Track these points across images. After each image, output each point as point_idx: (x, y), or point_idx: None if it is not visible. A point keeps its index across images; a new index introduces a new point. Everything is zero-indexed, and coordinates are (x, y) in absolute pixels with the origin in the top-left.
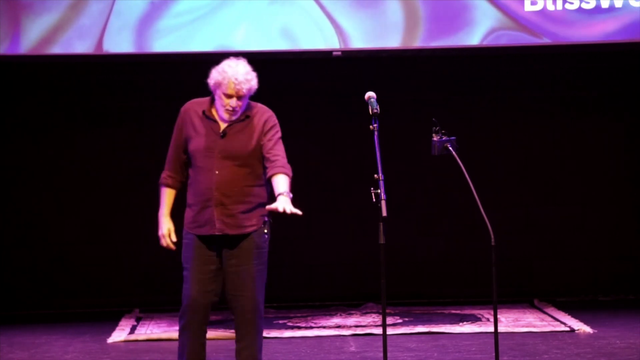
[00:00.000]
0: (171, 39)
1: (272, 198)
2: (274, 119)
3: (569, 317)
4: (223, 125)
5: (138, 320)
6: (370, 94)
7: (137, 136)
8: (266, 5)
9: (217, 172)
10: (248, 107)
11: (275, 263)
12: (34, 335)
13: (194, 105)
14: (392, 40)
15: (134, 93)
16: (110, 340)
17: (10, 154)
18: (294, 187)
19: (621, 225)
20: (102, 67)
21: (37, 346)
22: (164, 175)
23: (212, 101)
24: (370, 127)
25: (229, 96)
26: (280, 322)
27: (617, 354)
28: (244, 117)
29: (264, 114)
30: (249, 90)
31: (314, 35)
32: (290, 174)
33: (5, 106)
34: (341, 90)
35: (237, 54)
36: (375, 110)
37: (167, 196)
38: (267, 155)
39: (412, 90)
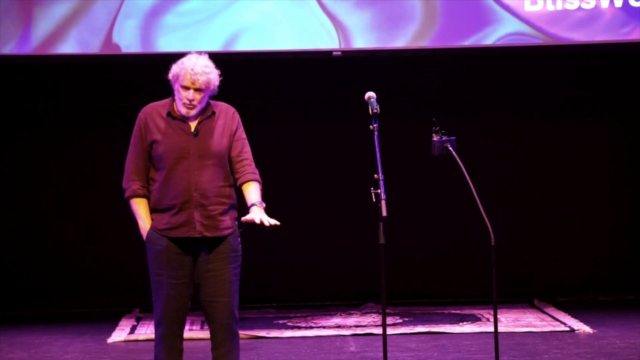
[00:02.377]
0: (176, 37)
1: (241, 200)
2: (238, 116)
3: (569, 317)
4: (193, 124)
5: (138, 320)
6: (370, 94)
7: None
8: (271, 5)
9: (195, 172)
10: (210, 105)
11: (275, 263)
12: (34, 335)
13: (155, 108)
14: (401, 39)
15: (134, 93)
16: (110, 340)
17: (10, 154)
18: (295, 188)
19: (621, 225)
20: (102, 66)
21: (37, 346)
22: (135, 186)
23: (174, 101)
24: (370, 127)
25: (186, 88)
26: (280, 322)
27: (617, 354)
28: (211, 114)
29: (228, 109)
30: (207, 83)
31: (320, 35)
32: (260, 179)
33: (6, 106)
34: (341, 90)
35: (238, 54)
36: (375, 110)
37: (145, 206)
38: (237, 159)
39: (412, 90)
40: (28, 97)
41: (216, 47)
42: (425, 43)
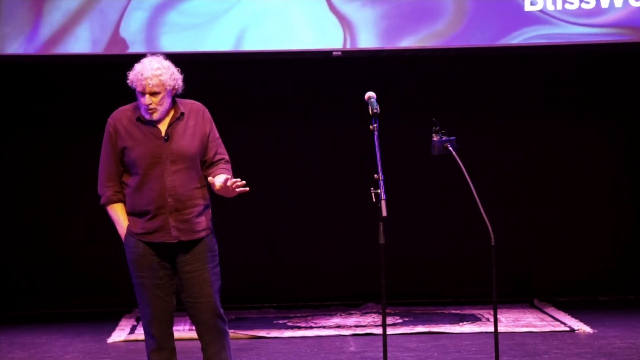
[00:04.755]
0: (180, 37)
1: (214, 199)
2: (209, 115)
3: (569, 317)
4: (163, 128)
5: (138, 320)
6: (370, 94)
7: None
8: (282, 3)
9: (169, 177)
10: (178, 104)
11: (275, 263)
12: (34, 335)
13: (124, 113)
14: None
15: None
16: (110, 340)
17: (11, 153)
18: (295, 188)
19: (621, 225)
20: (104, 66)
21: (37, 346)
22: (110, 193)
23: None
24: (370, 127)
25: (142, 94)
26: (280, 322)
27: (617, 354)
28: (180, 115)
29: (199, 109)
30: (159, 85)
31: (329, 34)
32: (230, 172)
33: (6, 106)
34: (341, 90)
35: (239, 54)
36: (375, 110)
37: (122, 212)
38: (212, 160)
39: (412, 90)
40: (29, 96)
41: (221, 47)
42: (441, 42)
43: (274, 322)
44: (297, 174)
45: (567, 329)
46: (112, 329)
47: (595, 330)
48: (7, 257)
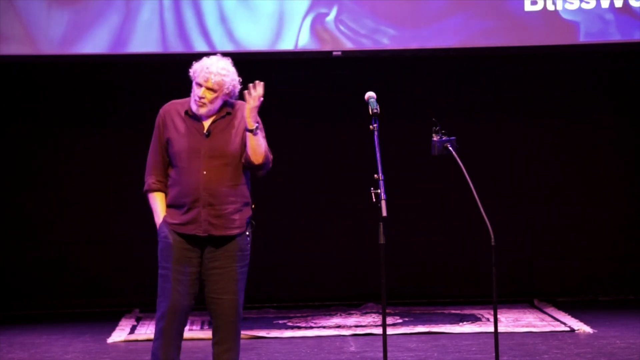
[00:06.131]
0: (180, 37)
1: (254, 198)
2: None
3: (569, 317)
4: (207, 124)
5: (138, 320)
6: (370, 94)
7: (138, 136)
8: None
9: (204, 172)
10: (228, 104)
11: (276, 263)
12: (34, 335)
13: (175, 106)
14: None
15: (134, 93)
16: (110, 340)
17: (11, 154)
18: (295, 188)
19: (621, 225)
20: (104, 67)
21: (37, 346)
22: (152, 181)
23: None
24: (370, 127)
25: (199, 85)
26: (280, 322)
27: (617, 354)
28: (225, 114)
29: (246, 109)
30: (219, 84)
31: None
32: (270, 157)
33: (6, 106)
34: (341, 90)
35: (239, 54)
36: (375, 110)
37: (161, 201)
38: None
39: (412, 90)
40: (29, 97)
41: (221, 48)
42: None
43: (274, 322)
44: (297, 174)
45: (567, 329)
46: (112, 329)
47: (595, 330)
48: (7, 257)
